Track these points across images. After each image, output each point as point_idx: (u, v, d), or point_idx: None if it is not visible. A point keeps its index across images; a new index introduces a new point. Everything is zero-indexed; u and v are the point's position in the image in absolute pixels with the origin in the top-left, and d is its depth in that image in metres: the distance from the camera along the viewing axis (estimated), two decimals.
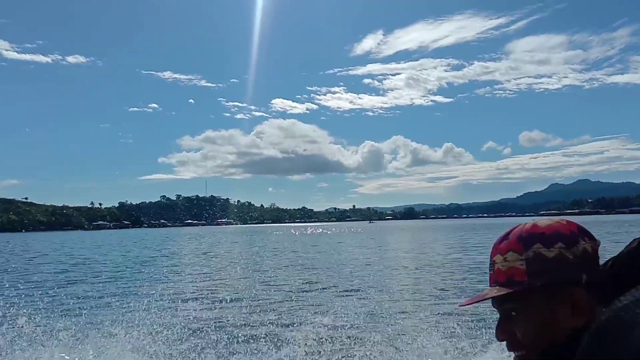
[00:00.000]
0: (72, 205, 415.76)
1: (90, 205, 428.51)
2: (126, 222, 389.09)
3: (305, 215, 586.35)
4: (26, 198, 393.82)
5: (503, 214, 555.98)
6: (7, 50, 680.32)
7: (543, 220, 1.38)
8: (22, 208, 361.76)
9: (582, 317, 1.30)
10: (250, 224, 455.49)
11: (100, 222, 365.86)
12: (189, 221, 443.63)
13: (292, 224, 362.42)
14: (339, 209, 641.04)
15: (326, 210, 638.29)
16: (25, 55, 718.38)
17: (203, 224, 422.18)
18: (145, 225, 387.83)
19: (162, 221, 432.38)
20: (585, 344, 0.61)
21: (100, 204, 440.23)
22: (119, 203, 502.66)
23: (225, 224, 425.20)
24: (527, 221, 1.32)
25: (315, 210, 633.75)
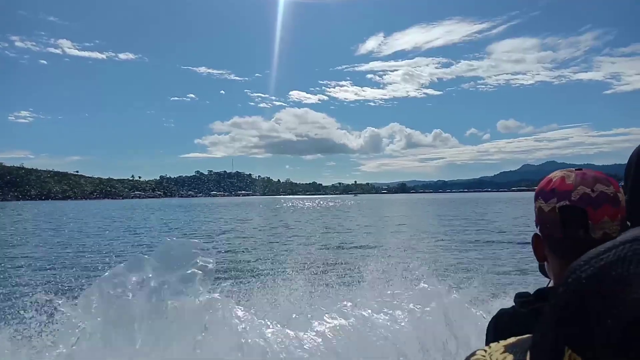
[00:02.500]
0: (116, 178, 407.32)
1: (131, 178, 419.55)
2: (159, 193, 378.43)
3: (315, 188, 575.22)
4: (77, 171, 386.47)
5: (480, 190, 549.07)
6: (69, 48, 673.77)
7: (560, 174, 1.20)
8: (73, 180, 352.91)
9: (550, 272, 1.22)
10: (268, 195, 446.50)
11: (136, 192, 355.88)
12: (214, 192, 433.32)
13: (303, 196, 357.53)
14: (343, 183, 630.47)
15: (332, 185, 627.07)
16: (85, 52, 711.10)
17: (227, 195, 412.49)
18: (178, 196, 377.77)
19: (190, 192, 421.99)
20: (561, 301, 0.45)
21: (140, 177, 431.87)
22: (160, 177, 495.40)
23: (244, 195, 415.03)
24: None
25: (323, 184, 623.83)
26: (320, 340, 4.42)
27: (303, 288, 6.25)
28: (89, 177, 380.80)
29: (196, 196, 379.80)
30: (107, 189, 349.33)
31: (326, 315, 4.84)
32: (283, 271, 7.86)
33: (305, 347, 4.31)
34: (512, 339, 0.59)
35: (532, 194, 1.26)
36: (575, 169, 1.18)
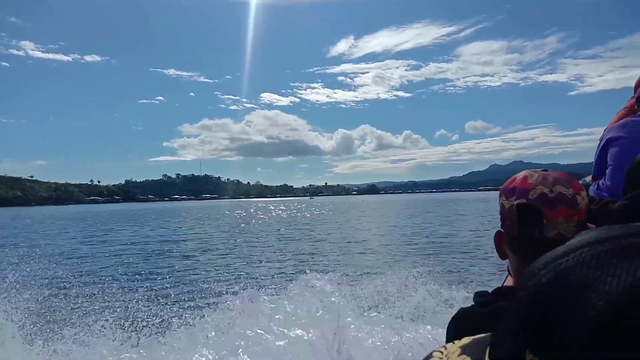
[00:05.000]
0: (73, 182, 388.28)
1: (90, 183, 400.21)
2: (117, 198, 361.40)
3: (285, 191, 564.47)
4: (32, 176, 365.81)
5: (449, 190, 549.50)
6: (32, 50, 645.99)
7: (524, 174, 1.21)
8: (28, 185, 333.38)
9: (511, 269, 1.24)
10: (238, 198, 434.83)
11: (93, 197, 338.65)
12: (176, 196, 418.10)
13: (273, 199, 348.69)
14: (314, 185, 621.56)
15: (302, 187, 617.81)
16: (49, 54, 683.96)
17: (192, 199, 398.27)
18: (138, 200, 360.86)
19: (151, 196, 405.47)
20: (521, 305, 0.44)
21: (99, 181, 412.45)
22: (125, 180, 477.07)
23: (210, 199, 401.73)
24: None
25: (294, 186, 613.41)
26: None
27: None
28: (44, 182, 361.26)
29: (158, 200, 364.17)
30: (62, 195, 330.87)
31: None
32: None
33: None
34: (466, 339, 0.58)
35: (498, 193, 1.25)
36: (542, 170, 1.19)
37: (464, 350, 0.54)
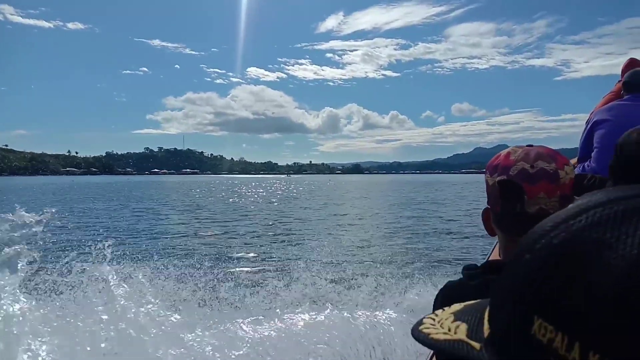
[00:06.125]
0: (50, 153, 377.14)
1: (67, 154, 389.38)
2: (94, 170, 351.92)
3: (270, 168, 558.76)
4: (6, 145, 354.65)
5: (432, 171, 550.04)
6: (12, 14, 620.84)
7: (508, 150, 1.21)
8: (1, 155, 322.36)
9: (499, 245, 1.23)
10: (220, 174, 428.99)
11: (69, 169, 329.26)
12: (155, 170, 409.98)
13: (256, 176, 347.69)
14: (298, 163, 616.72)
15: (287, 164, 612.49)
16: (29, 20, 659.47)
17: (172, 173, 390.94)
18: (116, 173, 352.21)
19: (129, 170, 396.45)
20: (530, 267, 0.40)
21: (76, 152, 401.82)
22: (106, 153, 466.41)
23: (191, 174, 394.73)
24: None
25: (279, 164, 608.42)
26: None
27: None
28: (19, 151, 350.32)
29: (137, 174, 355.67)
30: (38, 165, 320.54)
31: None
32: None
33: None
34: (457, 306, 0.55)
35: (482, 175, 1.25)
36: (527, 145, 1.19)
37: (457, 316, 0.53)
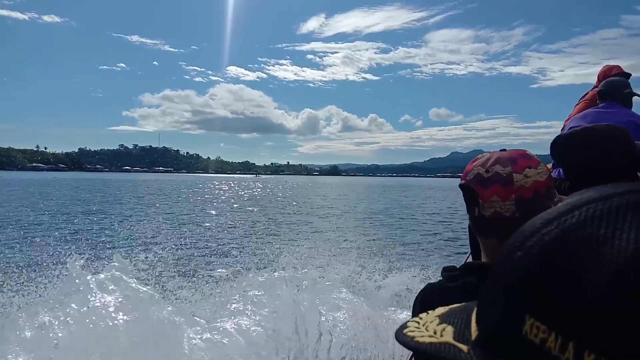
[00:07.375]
0: (17, 148, 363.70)
1: (36, 149, 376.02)
2: (62, 166, 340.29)
3: (247, 168, 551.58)
4: None
5: (409, 174, 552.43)
6: None
7: (479, 156, 1.22)
8: None
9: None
10: (195, 173, 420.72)
11: (35, 164, 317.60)
12: (127, 168, 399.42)
13: (233, 175, 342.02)
14: (276, 164, 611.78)
15: (264, 164, 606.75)
16: (3, 10, 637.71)
17: (145, 171, 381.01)
18: (86, 170, 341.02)
19: (99, 166, 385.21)
20: (521, 266, 0.39)
21: (45, 148, 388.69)
22: (79, 149, 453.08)
23: (164, 172, 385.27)
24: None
25: (256, 164, 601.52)
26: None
27: None
28: None
29: (107, 171, 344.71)
30: (2, 160, 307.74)
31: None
32: None
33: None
34: (442, 309, 0.53)
35: (457, 180, 1.27)
36: (500, 150, 1.20)
37: (443, 319, 0.51)
